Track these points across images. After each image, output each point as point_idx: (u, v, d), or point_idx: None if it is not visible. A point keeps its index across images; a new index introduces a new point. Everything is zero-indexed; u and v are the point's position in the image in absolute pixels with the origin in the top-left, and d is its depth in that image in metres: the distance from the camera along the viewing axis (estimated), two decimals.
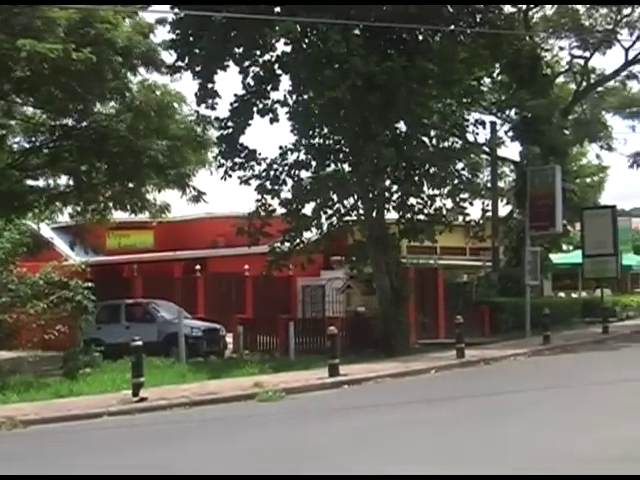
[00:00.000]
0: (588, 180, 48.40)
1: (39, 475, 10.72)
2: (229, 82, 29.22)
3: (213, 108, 27.24)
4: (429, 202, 27.90)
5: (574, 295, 44.70)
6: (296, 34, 25.12)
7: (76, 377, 20.76)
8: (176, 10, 26.18)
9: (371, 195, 27.06)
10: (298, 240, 27.81)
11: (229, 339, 29.05)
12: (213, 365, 24.22)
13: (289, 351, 26.23)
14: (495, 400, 16.30)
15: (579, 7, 38.62)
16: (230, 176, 27.50)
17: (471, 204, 28.85)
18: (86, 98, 24.40)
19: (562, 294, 45.64)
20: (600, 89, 43.27)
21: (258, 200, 27.66)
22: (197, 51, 26.42)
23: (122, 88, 25.14)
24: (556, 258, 42.51)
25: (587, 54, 40.91)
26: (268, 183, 27.56)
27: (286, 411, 16.24)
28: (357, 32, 24.77)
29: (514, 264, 36.40)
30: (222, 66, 26.94)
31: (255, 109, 27.33)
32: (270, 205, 27.79)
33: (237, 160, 27.48)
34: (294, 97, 27.12)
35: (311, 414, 15.88)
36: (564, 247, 44.58)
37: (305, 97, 27.06)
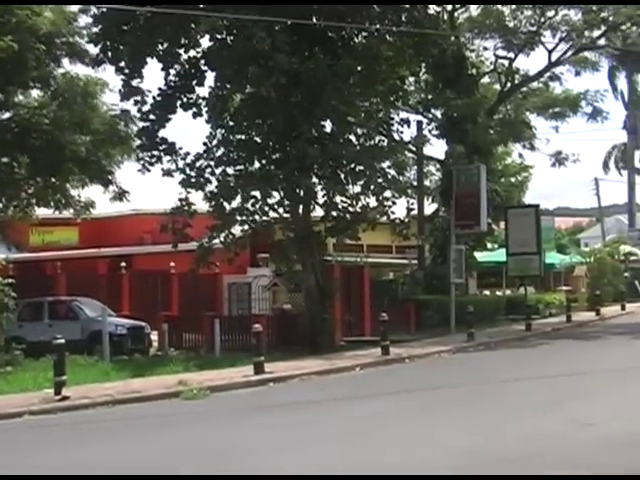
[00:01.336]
0: (512, 179, 48.81)
1: None
2: (154, 75, 28.87)
3: (144, 103, 26.89)
4: (354, 200, 27.95)
5: (498, 293, 45.16)
6: (220, 30, 24.97)
7: None
8: (98, 4, 25.80)
9: (297, 193, 27.02)
10: (224, 236, 27.53)
11: (154, 337, 28.88)
12: (137, 363, 24.00)
13: (215, 349, 26.13)
14: (418, 397, 16.44)
15: (504, 8, 38.99)
16: (149, 170, 27.16)
17: (394, 203, 28.91)
18: (7, 88, 23.99)
19: (487, 292, 46.04)
20: (524, 90, 43.68)
21: (181, 200, 27.26)
22: (121, 47, 25.98)
23: (45, 77, 24.75)
24: (481, 256, 42.95)
25: (511, 55, 41.26)
26: (193, 179, 27.18)
27: (210, 409, 16.21)
28: (279, 28, 24.63)
29: (440, 262, 36.65)
30: (145, 62, 26.58)
31: (179, 103, 27.10)
32: (193, 203, 27.42)
33: (155, 153, 27.11)
34: (217, 93, 26.90)
35: (235, 412, 15.83)
36: (489, 245, 45.01)
37: (225, 93, 26.88)
